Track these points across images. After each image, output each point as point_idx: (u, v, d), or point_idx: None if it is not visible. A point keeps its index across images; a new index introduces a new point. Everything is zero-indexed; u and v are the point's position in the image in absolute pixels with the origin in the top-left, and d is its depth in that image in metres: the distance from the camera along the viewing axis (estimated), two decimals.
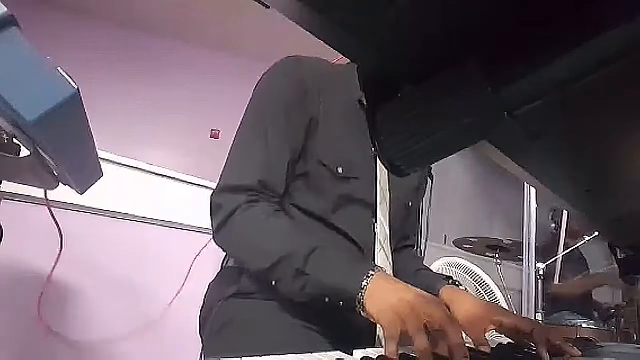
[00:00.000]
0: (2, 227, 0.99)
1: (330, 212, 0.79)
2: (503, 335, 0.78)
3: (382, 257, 0.82)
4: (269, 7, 0.26)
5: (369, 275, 0.63)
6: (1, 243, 0.98)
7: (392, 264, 0.85)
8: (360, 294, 0.61)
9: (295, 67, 0.82)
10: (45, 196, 0.86)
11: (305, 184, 0.80)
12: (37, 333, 1.78)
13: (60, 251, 0.94)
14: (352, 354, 0.54)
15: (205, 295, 0.85)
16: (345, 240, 0.80)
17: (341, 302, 0.63)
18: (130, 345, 1.92)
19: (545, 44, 0.27)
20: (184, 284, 1.76)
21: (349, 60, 0.93)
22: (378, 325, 0.72)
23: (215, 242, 0.76)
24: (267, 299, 0.73)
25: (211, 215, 0.76)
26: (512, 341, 0.75)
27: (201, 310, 0.83)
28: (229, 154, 0.79)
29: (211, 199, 0.76)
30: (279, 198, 0.78)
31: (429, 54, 0.30)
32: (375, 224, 0.82)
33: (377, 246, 0.81)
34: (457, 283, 0.88)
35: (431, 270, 1.00)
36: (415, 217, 1.08)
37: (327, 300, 0.64)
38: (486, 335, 0.73)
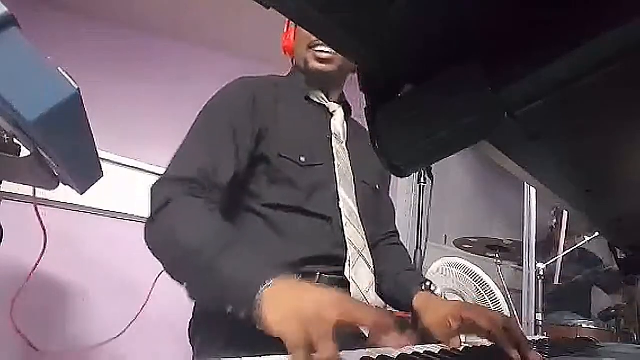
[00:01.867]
0: (2, 227, 0.99)
1: (304, 200, 0.83)
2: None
3: (351, 230, 0.85)
4: (269, 7, 0.26)
5: (267, 285, 0.53)
6: (1, 243, 0.98)
7: (363, 237, 0.88)
8: (256, 302, 0.52)
9: (244, 84, 0.90)
10: (34, 194, 0.86)
11: (274, 180, 0.83)
12: (39, 333, 1.77)
13: (44, 250, 0.93)
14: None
15: (194, 308, 0.85)
16: (319, 219, 0.84)
17: (242, 314, 0.55)
18: (129, 345, 1.92)
19: (545, 44, 0.27)
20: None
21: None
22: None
23: (145, 237, 0.72)
24: None
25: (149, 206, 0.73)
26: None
27: (190, 322, 0.84)
28: (174, 154, 0.79)
29: (150, 190, 0.74)
30: (220, 193, 0.76)
31: (429, 54, 0.30)
32: (339, 201, 0.86)
33: (344, 220, 0.85)
34: (432, 288, 0.87)
35: (415, 270, 0.99)
36: (388, 204, 1.10)
37: (229, 310, 0.56)
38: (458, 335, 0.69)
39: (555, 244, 2.79)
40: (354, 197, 0.90)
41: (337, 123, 0.96)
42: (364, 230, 0.89)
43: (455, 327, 0.69)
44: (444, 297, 0.89)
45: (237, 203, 0.84)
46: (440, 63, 0.29)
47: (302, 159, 0.84)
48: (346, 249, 0.83)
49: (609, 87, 0.30)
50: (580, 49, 0.25)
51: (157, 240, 0.71)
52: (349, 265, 0.82)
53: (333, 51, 0.89)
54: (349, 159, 0.93)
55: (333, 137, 0.92)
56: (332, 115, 0.97)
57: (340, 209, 0.85)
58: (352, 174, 0.92)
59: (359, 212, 0.89)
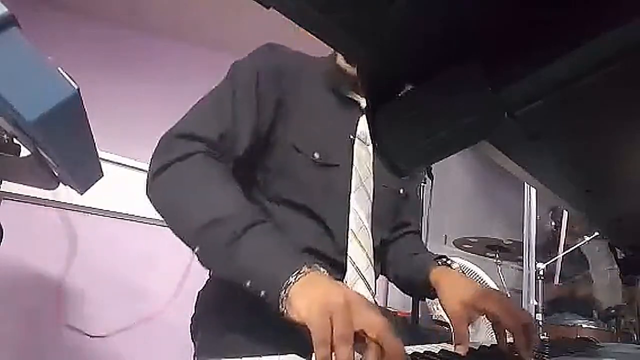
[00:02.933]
0: (2, 227, 0.99)
1: (311, 200, 0.77)
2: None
3: (355, 247, 0.79)
4: (269, 7, 0.26)
5: (302, 271, 0.54)
6: (1, 243, 0.98)
7: (369, 256, 0.81)
8: (287, 285, 0.53)
9: (273, 50, 0.83)
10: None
11: (283, 171, 0.78)
12: (38, 330, 1.78)
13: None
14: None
15: (195, 304, 0.84)
16: (322, 228, 0.78)
17: (262, 292, 0.55)
18: (129, 343, 1.92)
19: (545, 44, 0.27)
20: (180, 283, 1.76)
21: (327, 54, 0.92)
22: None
23: (146, 187, 0.67)
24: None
25: (153, 156, 0.68)
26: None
27: (192, 318, 0.83)
28: (193, 106, 0.75)
29: (159, 141, 0.69)
30: (232, 163, 0.73)
31: (429, 54, 0.30)
32: (348, 214, 0.79)
33: (350, 236, 0.78)
34: (448, 262, 0.82)
35: (431, 253, 0.91)
36: (415, 204, 1.02)
37: (248, 284, 0.56)
38: (471, 328, 0.67)
39: (555, 244, 2.79)
40: (369, 209, 0.83)
41: (367, 122, 0.86)
42: (373, 246, 0.83)
43: (475, 319, 0.67)
44: (462, 272, 0.84)
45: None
46: (440, 63, 0.29)
47: (316, 155, 0.77)
48: (345, 269, 0.77)
49: (609, 87, 0.30)
50: (580, 49, 0.25)
51: (168, 194, 0.65)
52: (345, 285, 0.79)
53: None
54: (373, 162, 0.85)
55: (357, 139, 0.83)
56: (363, 112, 0.86)
57: (348, 222, 0.79)
58: (372, 181, 0.84)
59: (371, 226, 0.82)
